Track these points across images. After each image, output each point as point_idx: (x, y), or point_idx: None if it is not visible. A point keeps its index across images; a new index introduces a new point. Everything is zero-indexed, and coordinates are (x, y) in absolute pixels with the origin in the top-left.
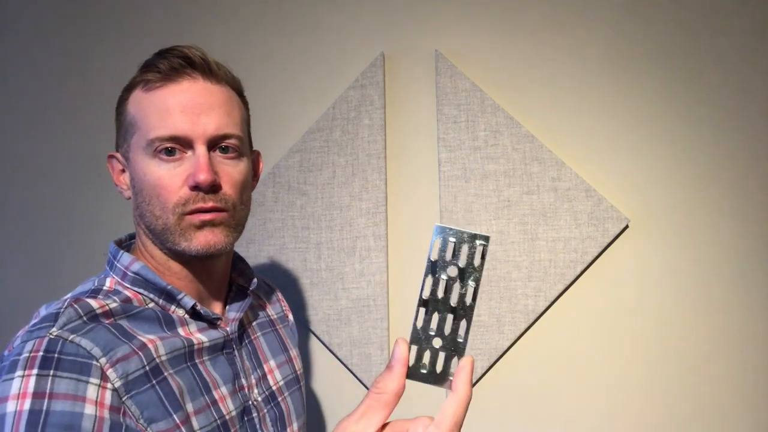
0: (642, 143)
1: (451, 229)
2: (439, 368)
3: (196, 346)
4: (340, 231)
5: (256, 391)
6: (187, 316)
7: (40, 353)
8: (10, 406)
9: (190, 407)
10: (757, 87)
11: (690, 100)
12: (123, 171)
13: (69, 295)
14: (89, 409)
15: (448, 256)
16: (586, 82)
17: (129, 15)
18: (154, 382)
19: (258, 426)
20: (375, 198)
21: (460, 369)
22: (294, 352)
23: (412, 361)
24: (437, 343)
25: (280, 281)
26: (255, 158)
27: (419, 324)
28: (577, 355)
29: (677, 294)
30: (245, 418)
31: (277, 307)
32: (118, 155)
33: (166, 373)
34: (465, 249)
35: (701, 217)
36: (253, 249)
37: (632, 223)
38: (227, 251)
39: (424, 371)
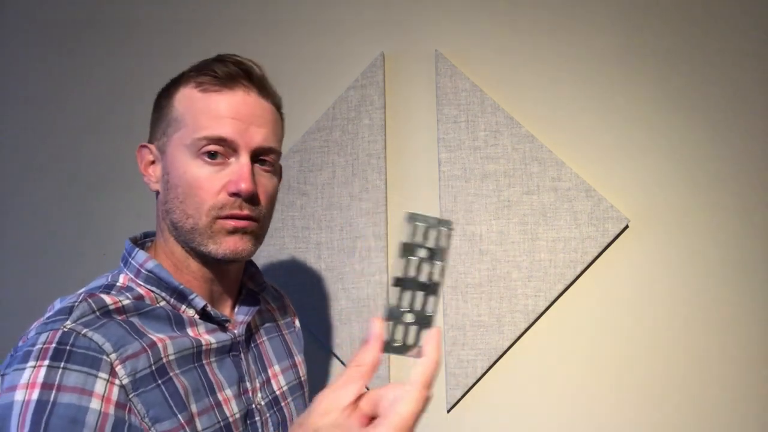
0: (642, 143)
1: (420, 215)
2: (410, 341)
3: (204, 347)
4: (340, 231)
5: (259, 394)
6: (196, 316)
7: (53, 345)
8: (19, 395)
9: (194, 408)
10: (756, 88)
11: (690, 100)
12: (153, 163)
13: (83, 290)
14: (95, 404)
15: (419, 239)
16: (586, 82)
17: (132, 16)
18: (159, 381)
19: (260, 430)
20: (375, 198)
21: (429, 337)
22: (299, 358)
23: (386, 336)
24: (409, 318)
25: (280, 281)
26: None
27: (393, 302)
28: (577, 355)
29: (677, 294)
30: (248, 422)
31: (284, 313)
32: (152, 147)
33: (171, 374)
34: (433, 233)
35: (701, 217)
36: None
37: (632, 223)
38: (249, 259)
39: (398, 344)
